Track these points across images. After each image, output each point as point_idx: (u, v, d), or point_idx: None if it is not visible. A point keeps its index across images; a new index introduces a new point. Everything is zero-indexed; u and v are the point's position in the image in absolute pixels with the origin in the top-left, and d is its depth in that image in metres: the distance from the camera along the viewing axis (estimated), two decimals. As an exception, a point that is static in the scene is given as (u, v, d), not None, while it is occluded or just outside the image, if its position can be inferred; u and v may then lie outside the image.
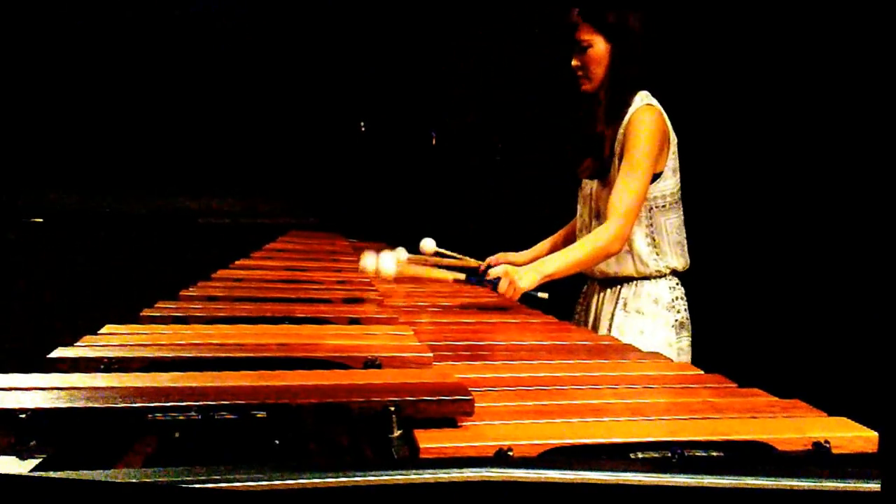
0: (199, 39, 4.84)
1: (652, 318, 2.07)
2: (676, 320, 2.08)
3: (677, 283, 2.12)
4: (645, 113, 2.00)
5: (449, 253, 2.44)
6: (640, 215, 2.04)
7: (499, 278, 1.92)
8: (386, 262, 1.89)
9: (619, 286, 2.12)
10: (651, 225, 2.07)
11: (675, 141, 2.07)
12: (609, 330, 2.10)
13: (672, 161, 2.06)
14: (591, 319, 2.20)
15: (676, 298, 2.09)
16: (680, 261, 2.10)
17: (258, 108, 4.87)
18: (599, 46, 2.01)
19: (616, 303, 2.11)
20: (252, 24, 4.96)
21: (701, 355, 2.11)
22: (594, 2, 2.01)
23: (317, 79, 4.89)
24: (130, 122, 4.76)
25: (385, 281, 1.94)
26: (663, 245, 2.08)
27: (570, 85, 2.14)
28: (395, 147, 4.86)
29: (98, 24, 4.71)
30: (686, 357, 2.09)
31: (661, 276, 2.09)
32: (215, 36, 4.87)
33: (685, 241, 2.13)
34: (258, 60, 4.88)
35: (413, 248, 2.44)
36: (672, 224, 2.09)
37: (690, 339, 2.12)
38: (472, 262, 2.38)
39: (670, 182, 2.06)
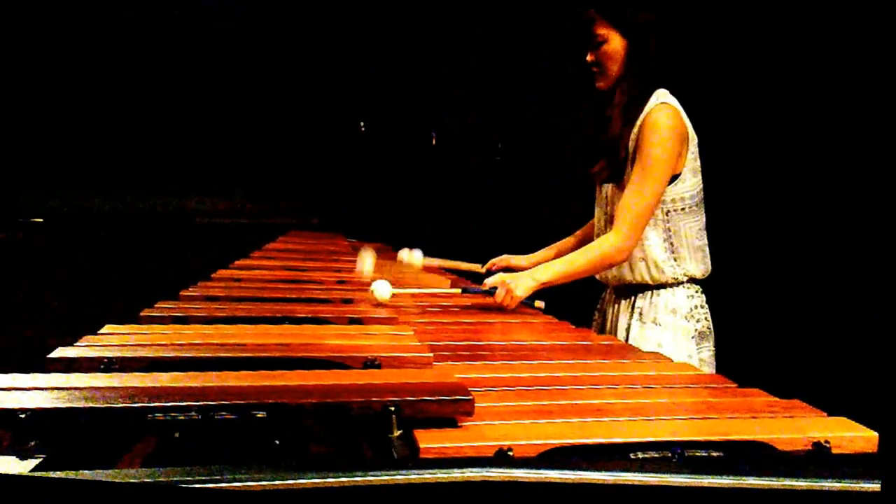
0: (199, 39, 4.84)
1: (671, 330, 1.97)
2: (696, 330, 1.98)
3: (697, 291, 2.02)
4: (660, 112, 1.91)
5: (438, 262, 2.40)
6: (657, 218, 1.96)
7: (495, 287, 1.93)
8: (381, 289, 1.88)
9: (633, 296, 2.03)
10: (669, 229, 1.97)
11: (696, 140, 1.97)
12: (626, 342, 1.98)
13: (692, 161, 1.96)
14: (607, 329, 2.11)
15: (696, 307, 2.00)
16: (700, 267, 2.00)
17: (258, 108, 4.87)
18: (615, 42, 1.94)
19: (631, 313, 2.03)
20: (252, 24, 4.96)
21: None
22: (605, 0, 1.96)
23: (317, 79, 4.89)
24: (131, 122, 4.76)
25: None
26: (682, 250, 1.98)
27: (573, 84, 2.10)
28: (395, 147, 4.87)
29: (98, 24, 4.71)
30: (709, 368, 1.99)
31: (677, 284, 2.00)
32: (215, 36, 4.87)
33: (707, 247, 2.03)
34: (258, 60, 4.89)
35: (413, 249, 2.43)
36: (692, 228, 1.98)
37: (713, 348, 2.02)
38: (473, 267, 2.36)
39: (690, 183, 1.96)
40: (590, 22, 1.97)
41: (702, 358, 1.99)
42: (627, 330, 2.03)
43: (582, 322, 1.98)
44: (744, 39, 2.87)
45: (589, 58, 2.00)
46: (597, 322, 2.21)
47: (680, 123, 1.94)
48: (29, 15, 4.65)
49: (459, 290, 2.04)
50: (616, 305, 2.09)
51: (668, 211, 1.97)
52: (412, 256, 2.38)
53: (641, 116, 1.94)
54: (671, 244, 1.98)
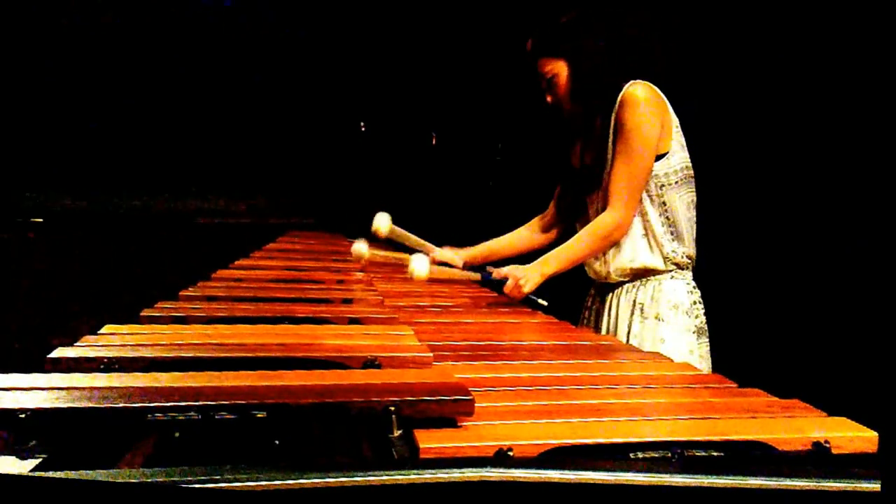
0: (199, 40, 4.84)
1: (673, 326, 1.99)
2: (696, 326, 2.01)
3: (694, 287, 2.04)
4: (634, 87, 1.95)
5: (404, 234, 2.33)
6: (651, 193, 1.98)
7: (505, 279, 1.98)
8: (419, 264, 1.86)
9: (634, 290, 2.04)
10: (664, 203, 1.98)
11: (677, 121, 2.00)
12: (627, 339, 2.01)
13: (677, 136, 1.99)
14: (603, 326, 2.11)
15: (694, 303, 2.02)
16: (690, 242, 2.03)
17: (258, 108, 4.87)
18: (563, 73, 1.99)
19: (632, 310, 2.03)
20: (252, 25, 4.96)
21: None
22: (543, 36, 2.01)
23: (317, 79, 4.89)
24: (131, 122, 4.76)
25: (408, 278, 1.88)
26: (678, 225, 1.99)
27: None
28: (395, 147, 4.87)
29: (98, 24, 4.72)
30: (706, 364, 2.01)
31: (679, 269, 2.01)
32: (216, 36, 4.87)
33: (695, 223, 2.05)
34: (258, 60, 4.89)
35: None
36: (683, 200, 2.00)
37: (708, 343, 2.04)
38: (426, 247, 2.29)
39: (679, 157, 1.99)
40: (535, 66, 2.02)
41: (701, 353, 2.01)
42: (629, 326, 2.03)
43: (569, 318, 2.00)
44: (734, 33, 2.87)
45: (548, 98, 2.04)
46: (586, 319, 2.20)
47: (655, 96, 1.97)
48: (29, 15, 4.65)
49: (479, 277, 2.06)
50: (614, 301, 2.09)
51: (662, 185, 1.99)
52: (379, 222, 2.28)
53: (618, 98, 1.97)
54: (667, 218, 2.01)
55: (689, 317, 2.00)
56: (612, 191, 1.96)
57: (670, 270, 2.02)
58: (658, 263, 2.01)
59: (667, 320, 1.99)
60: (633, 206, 1.96)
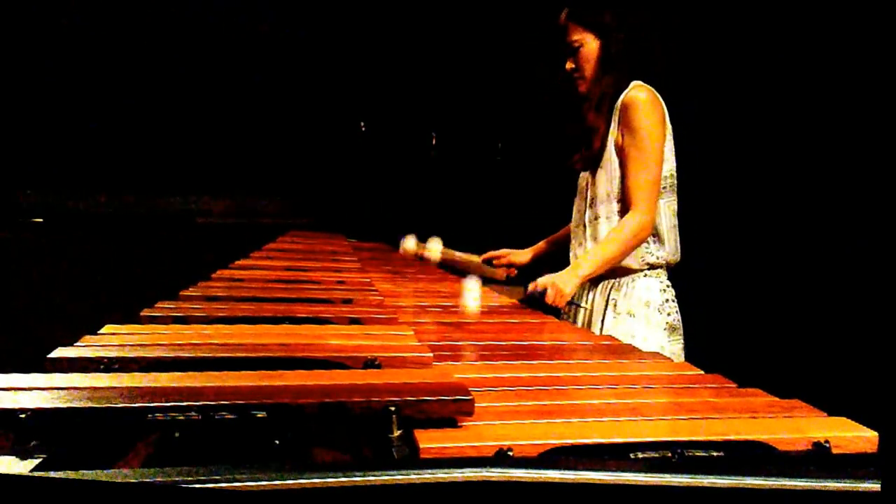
0: (199, 39, 4.84)
1: (644, 322, 2.04)
2: (667, 323, 2.06)
3: (668, 286, 2.09)
4: (636, 90, 2.02)
5: (452, 253, 2.43)
6: None
7: (545, 290, 1.98)
8: (471, 298, 1.85)
9: (609, 287, 2.10)
10: None
11: (670, 127, 2.07)
12: (601, 332, 2.07)
13: (670, 142, 2.06)
14: (580, 320, 2.18)
15: (667, 301, 2.07)
16: (673, 249, 2.08)
17: (258, 108, 4.87)
18: (591, 45, 2.04)
19: (606, 304, 2.09)
20: (252, 25, 4.96)
21: (695, 357, 2.08)
22: (581, 3, 2.06)
23: (317, 79, 4.89)
24: (131, 122, 4.76)
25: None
26: (661, 229, 2.05)
27: (565, 89, 2.15)
28: (395, 147, 4.87)
29: (98, 23, 4.72)
30: (678, 360, 2.05)
31: (654, 268, 2.06)
32: (216, 36, 4.87)
33: (678, 231, 2.11)
34: (258, 60, 4.89)
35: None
36: (669, 207, 2.07)
37: (682, 342, 2.09)
38: (471, 257, 2.39)
39: (669, 164, 2.06)
40: (564, 31, 2.07)
41: (672, 351, 2.05)
42: (602, 321, 2.09)
43: (549, 312, 2.01)
44: (734, 34, 2.88)
45: (568, 65, 2.10)
46: (566, 314, 2.24)
47: (657, 99, 2.03)
48: (29, 15, 4.65)
49: (518, 300, 2.08)
50: (591, 297, 2.15)
51: None
52: (407, 243, 2.44)
53: (618, 102, 2.03)
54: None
55: (660, 314, 2.05)
56: (632, 193, 2.00)
57: (643, 269, 2.07)
58: (631, 262, 2.06)
59: (638, 317, 2.04)
60: (655, 204, 2.01)
